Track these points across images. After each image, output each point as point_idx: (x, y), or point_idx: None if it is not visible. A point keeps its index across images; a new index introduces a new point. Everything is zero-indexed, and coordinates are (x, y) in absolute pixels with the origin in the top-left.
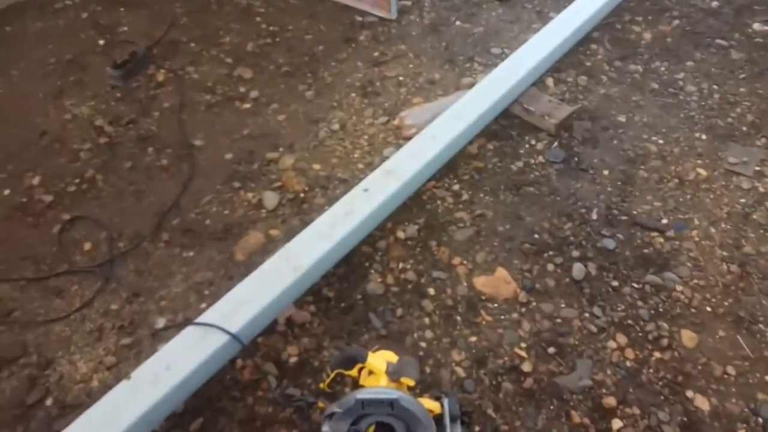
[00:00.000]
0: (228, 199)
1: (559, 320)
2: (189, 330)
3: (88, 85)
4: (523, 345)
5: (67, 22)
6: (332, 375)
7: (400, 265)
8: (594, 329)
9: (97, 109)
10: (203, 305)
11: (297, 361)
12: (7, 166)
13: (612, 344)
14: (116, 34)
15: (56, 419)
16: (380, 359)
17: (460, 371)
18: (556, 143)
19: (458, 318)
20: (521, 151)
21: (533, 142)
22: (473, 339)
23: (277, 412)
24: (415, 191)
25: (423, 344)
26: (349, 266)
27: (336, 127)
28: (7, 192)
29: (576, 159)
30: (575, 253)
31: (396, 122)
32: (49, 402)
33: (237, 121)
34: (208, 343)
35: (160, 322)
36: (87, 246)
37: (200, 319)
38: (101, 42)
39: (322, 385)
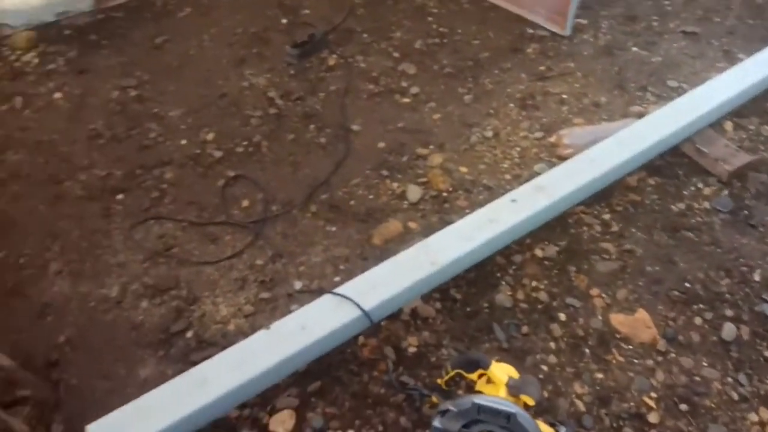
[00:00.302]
0: (374, 185)
1: (697, 378)
2: (326, 297)
3: (267, 58)
4: (654, 395)
5: None
6: (451, 373)
7: (533, 284)
8: (735, 396)
9: (272, 81)
10: (337, 278)
11: (415, 352)
12: (187, 119)
13: (753, 417)
14: (299, 16)
15: (193, 351)
16: (502, 370)
17: (580, 405)
18: (726, 192)
19: (587, 350)
20: (685, 193)
21: (700, 185)
22: (600, 375)
23: (388, 395)
24: (562, 212)
25: (544, 368)
26: (481, 273)
27: (489, 134)
28: (184, 142)
29: (746, 212)
30: (728, 312)
31: (552, 139)
32: (189, 334)
33: (394, 113)
34: (342, 314)
35: (297, 285)
36: (245, 203)
37: (338, 290)
38: (284, 21)
39: (439, 381)
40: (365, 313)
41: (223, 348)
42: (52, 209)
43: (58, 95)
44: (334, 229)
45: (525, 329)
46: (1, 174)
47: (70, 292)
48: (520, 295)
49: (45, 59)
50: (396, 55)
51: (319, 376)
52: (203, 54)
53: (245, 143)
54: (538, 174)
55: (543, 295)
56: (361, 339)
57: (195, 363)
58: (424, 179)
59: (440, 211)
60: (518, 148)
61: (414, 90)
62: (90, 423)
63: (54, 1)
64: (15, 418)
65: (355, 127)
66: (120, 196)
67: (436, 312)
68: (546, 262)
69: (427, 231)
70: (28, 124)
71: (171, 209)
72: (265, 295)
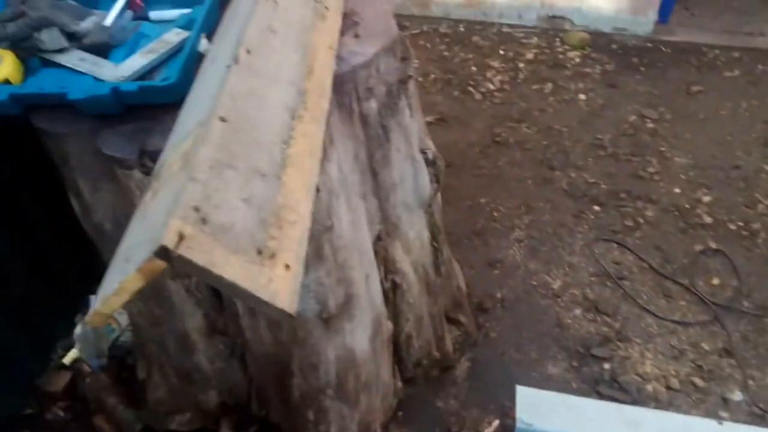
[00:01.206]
0: None
1: None
2: None
3: None
4: None
5: None
6: None
7: None
8: None
9: None
10: None
11: None
12: (689, 172)
13: None
14: None
15: (603, 383)
16: None
17: None
18: None
19: None
20: None
21: None
22: None
23: None
24: None
25: None
26: None
27: None
28: (677, 190)
29: None
30: None
31: None
32: (606, 366)
33: None
34: None
35: (737, 396)
36: (714, 281)
37: None
38: None
39: None
40: None
41: (634, 401)
42: (536, 187)
43: (582, 96)
44: None
45: None
46: (511, 138)
47: (521, 261)
48: None
49: (585, 62)
50: None
51: None
52: (734, 119)
53: (741, 224)
54: None
55: None
56: None
57: (600, 394)
58: None
59: None
60: None
61: None
62: (491, 377)
63: (620, 16)
64: (451, 326)
65: None
66: (596, 208)
67: None
68: None
69: None
70: (547, 109)
71: (637, 244)
72: (697, 381)
